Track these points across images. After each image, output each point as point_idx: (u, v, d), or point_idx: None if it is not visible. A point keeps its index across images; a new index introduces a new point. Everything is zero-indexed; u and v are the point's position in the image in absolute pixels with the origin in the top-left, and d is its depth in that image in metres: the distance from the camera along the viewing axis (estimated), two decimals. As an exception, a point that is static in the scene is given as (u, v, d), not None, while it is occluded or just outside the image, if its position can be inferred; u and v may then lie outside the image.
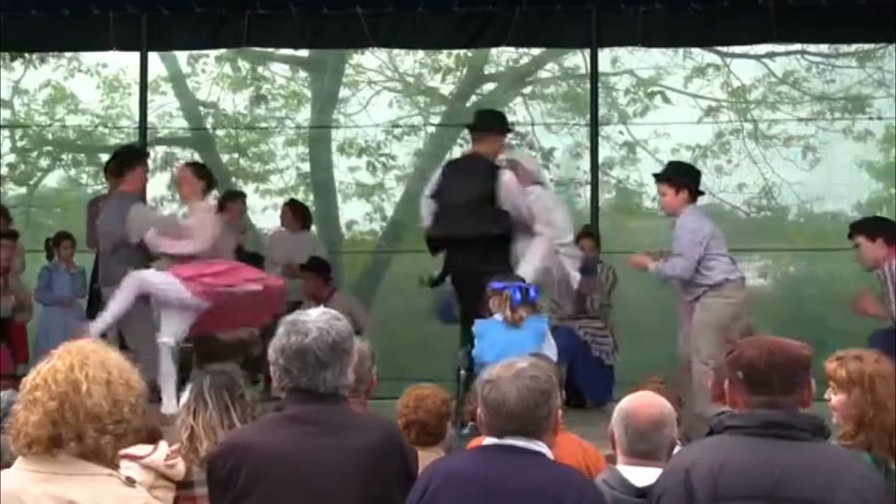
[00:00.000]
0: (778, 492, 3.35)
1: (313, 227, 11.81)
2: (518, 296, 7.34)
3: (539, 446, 3.57)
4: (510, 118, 14.99)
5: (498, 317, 7.34)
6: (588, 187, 11.35)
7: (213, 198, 9.35)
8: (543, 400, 3.58)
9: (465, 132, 15.30)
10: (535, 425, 3.58)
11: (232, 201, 10.52)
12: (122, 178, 9.05)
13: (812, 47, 14.06)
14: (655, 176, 8.19)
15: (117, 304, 8.45)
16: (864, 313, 8.07)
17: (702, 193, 8.21)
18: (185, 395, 4.97)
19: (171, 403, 8.03)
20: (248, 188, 14.80)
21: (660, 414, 4.03)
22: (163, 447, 4.80)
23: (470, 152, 8.84)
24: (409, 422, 5.24)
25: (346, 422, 3.65)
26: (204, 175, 8.89)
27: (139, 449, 4.68)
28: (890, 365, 4.13)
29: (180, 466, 4.77)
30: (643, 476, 3.89)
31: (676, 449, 4.43)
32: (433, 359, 7.69)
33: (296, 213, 11.17)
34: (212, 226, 8.73)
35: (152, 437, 4.81)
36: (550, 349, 7.09)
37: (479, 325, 7.45)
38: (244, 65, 15.76)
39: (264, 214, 14.47)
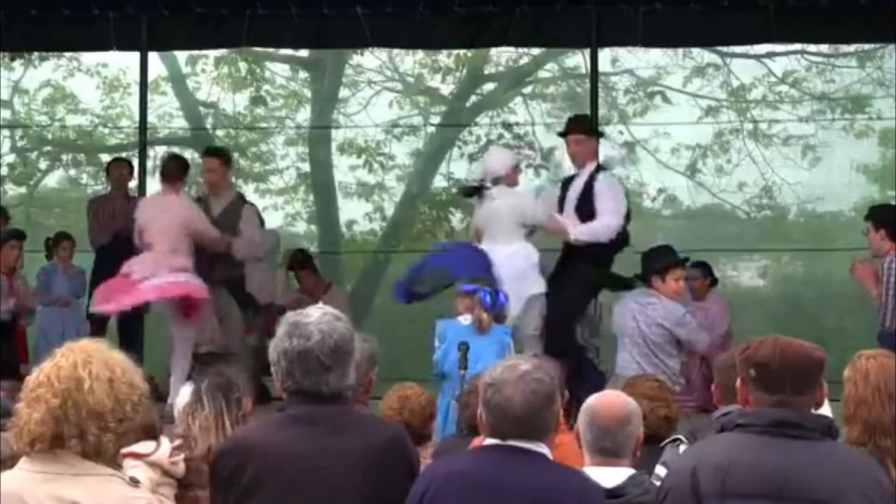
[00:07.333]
0: (786, 491, 3.34)
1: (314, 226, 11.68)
2: (488, 300, 7.09)
3: (540, 447, 3.54)
4: (510, 118, 15.06)
5: (463, 320, 7.15)
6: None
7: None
8: (548, 403, 3.55)
9: (465, 132, 15.45)
10: (540, 428, 3.55)
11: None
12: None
13: (812, 47, 14.04)
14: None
15: None
16: (859, 278, 8.10)
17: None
18: (187, 395, 4.99)
19: (174, 392, 8.17)
20: (248, 188, 14.80)
21: (625, 412, 3.99)
22: (165, 444, 4.81)
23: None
24: None
25: (351, 422, 3.65)
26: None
27: (142, 447, 4.69)
28: (889, 361, 4.13)
29: (182, 464, 4.78)
30: (610, 476, 3.88)
31: (682, 447, 4.42)
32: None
33: None
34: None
35: (151, 434, 4.81)
36: None
37: (441, 325, 7.23)
38: (244, 65, 15.76)
39: (264, 215, 14.47)
